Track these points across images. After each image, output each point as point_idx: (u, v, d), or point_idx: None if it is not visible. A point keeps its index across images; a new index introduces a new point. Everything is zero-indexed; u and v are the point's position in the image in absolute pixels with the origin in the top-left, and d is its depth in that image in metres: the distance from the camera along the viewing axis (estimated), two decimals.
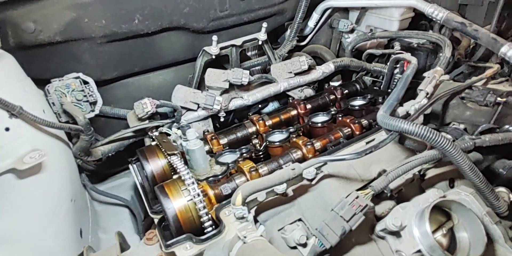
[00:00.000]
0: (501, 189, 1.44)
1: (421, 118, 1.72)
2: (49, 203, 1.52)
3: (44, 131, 1.55)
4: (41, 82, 1.82)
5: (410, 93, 1.82)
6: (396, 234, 1.31)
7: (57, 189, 1.58)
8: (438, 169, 1.58)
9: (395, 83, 2.33)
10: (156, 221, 1.50)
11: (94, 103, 1.97)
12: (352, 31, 2.70)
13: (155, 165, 1.62)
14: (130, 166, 1.79)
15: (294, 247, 1.28)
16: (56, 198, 1.57)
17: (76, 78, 1.88)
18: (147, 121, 1.99)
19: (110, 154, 2.08)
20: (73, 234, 1.69)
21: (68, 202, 1.66)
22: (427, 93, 1.71)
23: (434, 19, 2.11)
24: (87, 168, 2.25)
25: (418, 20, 2.56)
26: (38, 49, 1.82)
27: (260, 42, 2.28)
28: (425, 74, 1.86)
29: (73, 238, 1.67)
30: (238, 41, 2.20)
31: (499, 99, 1.60)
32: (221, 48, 2.15)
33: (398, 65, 2.28)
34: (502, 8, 2.21)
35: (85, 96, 1.90)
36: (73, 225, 1.68)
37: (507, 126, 1.57)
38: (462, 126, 1.73)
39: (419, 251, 1.22)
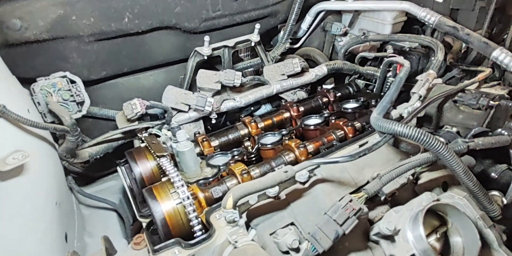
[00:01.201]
0: (494, 192, 1.43)
1: (414, 121, 1.71)
2: (33, 206, 1.46)
3: (29, 132, 1.50)
4: (26, 81, 1.77)
5: (403, 97, 1.81)
6: (390, 238, 1.29)
7: (42, 191, 1.52)
8: (432, 173, 1.57)
9: (387, 86, 2.33)
10: (144, 225, 1.45)
11: (81, 103, 1.91)
12: (345, 34, 2.70)
13: (143, 167, 1.58)
14: (118, 168, 1.74)
15: (286, 252, 1.25)
16: (40, 201, 1.51)
17: (63, 77, 1.82)
18: (136, 122, 1.95)
19: (98, 156, 2.03)
20: (58, 238, 1.62)
21: (53, 205, 1.60)
22: (420, 96, 1.70)
23: (426, 23, 2.11)
24: (74, 171, 2.19)
25: (411, 25, 2.57)
26: (24, 47, 1.76)
27: (252, 44, 2.26)
28: (418, 77, 1.86)
29: (58, 242, 1.61)
30: (230, 42, 2.18)
31: (491, 102, 1.60)
32: (213, 49, 2.12)
33: (390, 69, 2.28)
34: (493, 13, 2.22)
35: (72, 96, 1.84)
36: (58, 229, 1.62)
37: (499, 130, 1.56)
38: (454, 130, 1.72)
39: (413, 255, 1.20)
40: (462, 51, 2.50)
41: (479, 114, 1.66)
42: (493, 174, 1.64)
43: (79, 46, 1.87)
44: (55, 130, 1.54)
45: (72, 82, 1.85)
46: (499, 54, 1.81)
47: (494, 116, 1.64)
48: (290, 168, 1.30)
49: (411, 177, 1.49)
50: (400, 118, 1.67)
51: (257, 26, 2.17)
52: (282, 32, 2.47)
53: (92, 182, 2.40)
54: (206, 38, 2.01)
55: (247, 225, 1.29)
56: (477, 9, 2.32)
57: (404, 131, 1.28)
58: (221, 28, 2.28)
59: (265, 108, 2.41)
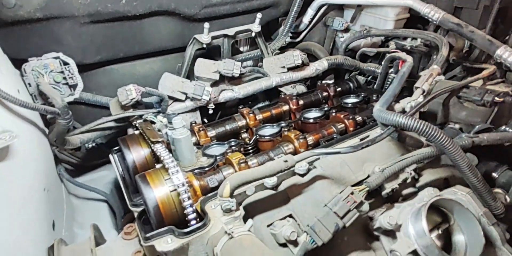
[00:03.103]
0: (498, 190, 1.40)
1: (417, 115, 1.67)
2: (20, 190, 1.39)
3: (18, 113, 1.43)
4: (18, 62, 1.70)
5: (404, 95, 1.78)
6: (391, 233, 1.25)
7: (29, 175, 1.45)
8: (433, 170, 1.53)
9: (388, 83, 2.29)
10: (136, 215, 1.39)
11: (74, 87, 1.84)
12: (346, 30, 2.66)
13: (137, 154, 1.52)
14: (110, 156, 1.68)
15: (284, 244, 1.20)
16: (27, 185, 1.44)
17: (56, 58, 1.74)
18: (131, 110, 1.88)
19: (89, 144, 1.96)
20: (45, 225, 1.56)
21: (40, 190, 1.53)
22: (424, 91, 1.67)
23: (430, 20, 2.08)
24: (65, 159, 2.12)
25: (413, 23, 2.54)
26: (17, 26, 1.70)
27: (253, 34, 2.20)
28: (421, 73, 1.82)
29: (45, 229, 1.55)
30: (230, 31, 2.12)
31: (496, 98, 1.57)
32: (213, 38, 2.06)
33: (392, 64, 2.24)
34: (497, 12, 2.20)
35: (64, 78, 1.77)
36: (45, 216, 1.56)
37: (503, 127, 1.53)
38: (457, 126, 1.69)
39: (414, 251, 1.16)
40: (464, 51, 2.48)
41: (483, 111, 1.63)
42: (494, 174, 1.62)
43: (74, 28, 1.80)
44: (45, 112, 1.47)
45: (65, 64, 1.78)
46: (503, 52, 1.78)
47: (498, 113, 1.61)
48: (290, 158, 1.25)
49: (412, 173, 1.45)
50: (403, 113, 1.63)
51: (259, 15, 2.11)
52: (283, 25, 2.43)
53: (83, 171, 2.33)
54: (206, 25, 1.94)
55: (244, 216, 1.24)
56: (481, 8, 2.30)
57: (408, 123, 1.24)
58: (222, 16, 2.22)
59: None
